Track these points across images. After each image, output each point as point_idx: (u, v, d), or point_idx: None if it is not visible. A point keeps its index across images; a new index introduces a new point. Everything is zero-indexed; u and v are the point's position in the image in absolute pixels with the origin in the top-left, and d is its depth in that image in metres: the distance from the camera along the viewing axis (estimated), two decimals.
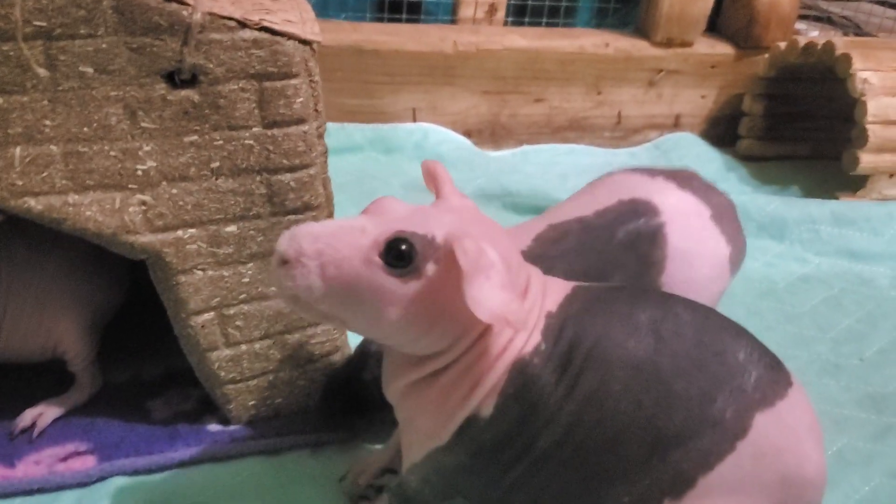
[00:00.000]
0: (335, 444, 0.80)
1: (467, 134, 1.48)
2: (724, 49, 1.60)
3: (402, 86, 1.44)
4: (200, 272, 0.72)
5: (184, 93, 0.65)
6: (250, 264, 0.73)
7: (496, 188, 1.32)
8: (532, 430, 0.58)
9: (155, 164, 0.67)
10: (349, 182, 1.28)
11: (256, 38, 0.65)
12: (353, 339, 0.83)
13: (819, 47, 1.42)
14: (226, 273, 0.73)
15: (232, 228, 0.71)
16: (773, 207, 1.32)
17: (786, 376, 0.60)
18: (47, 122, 0.63)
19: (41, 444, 0.77)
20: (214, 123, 0.67)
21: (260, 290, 0.75)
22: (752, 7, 1.57)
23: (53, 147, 0.64)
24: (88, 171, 0.65)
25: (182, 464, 0.76)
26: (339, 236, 0.54)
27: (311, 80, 0.69)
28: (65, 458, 0.76)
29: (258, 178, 0.70)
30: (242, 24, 0.64)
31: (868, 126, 1.34)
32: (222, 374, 0.77)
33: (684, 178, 0.90)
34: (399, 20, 1.51)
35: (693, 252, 0.85)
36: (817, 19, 1.91)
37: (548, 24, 1.59)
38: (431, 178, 0.65)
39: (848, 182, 1.42)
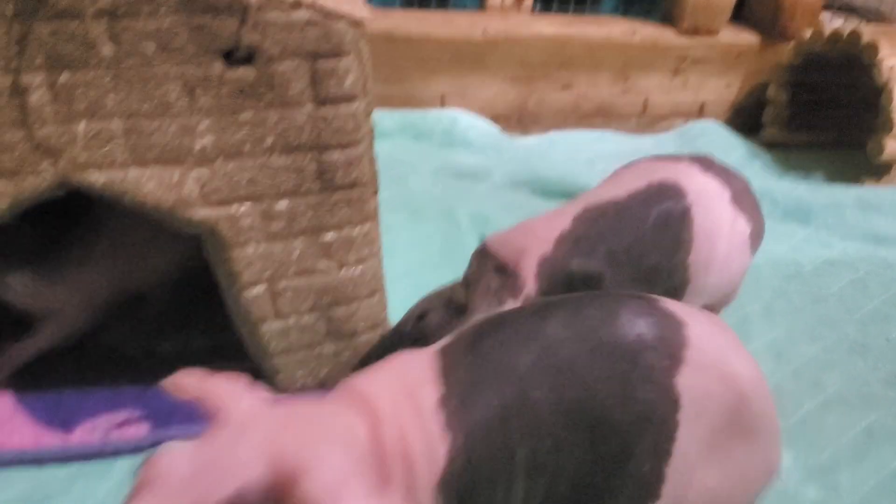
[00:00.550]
0: None
1: (495, 120, 1.50)
2: (749, 38, 1.61)
3: (431, 72, 1.46)
4: (253, 246, 0.74)
5: (240, 71, 0.67)
6: (300, 239, 0.76)
7: (525, 174, 1.34)
8: None
9: (211, 141, 0.69)
10: (378, 168, 1.30)
11: (310, 19, 0.67)
12: (394, 315, 0.86)
13: (845, 35, 1.43)
14: (277, 247, 0.75)
15: (283, 204, 0.74)
16: (799, 193, 1.34)
17: (673, 323, 0.57)
18: (110, 99, 0.65)
19: (97, 410, 0.79)
20: (269, 101, 0.69)
21: (308, 264, 0.77)
22: None
23: (115, 123, 0.66)
24: (148, 147, 0.67)
25: None
26: None
27: (360, 60, 0.71)
28: (120, 425, 0.79)
29: (309, 156, 0.72)
30: (297, 5, 0.66)
31: (894, 113, 1.35)
32: (271, 345, 0.79)
33: (705, 163, 0.94)
34: (428, 8, 1.53)
35: (716, 231, 0.89)
36: (840, 9, 1.91)
37: (574, 13, 1.60)
38: (193, 393, 0.51)
39: (872, 169, 1.43)
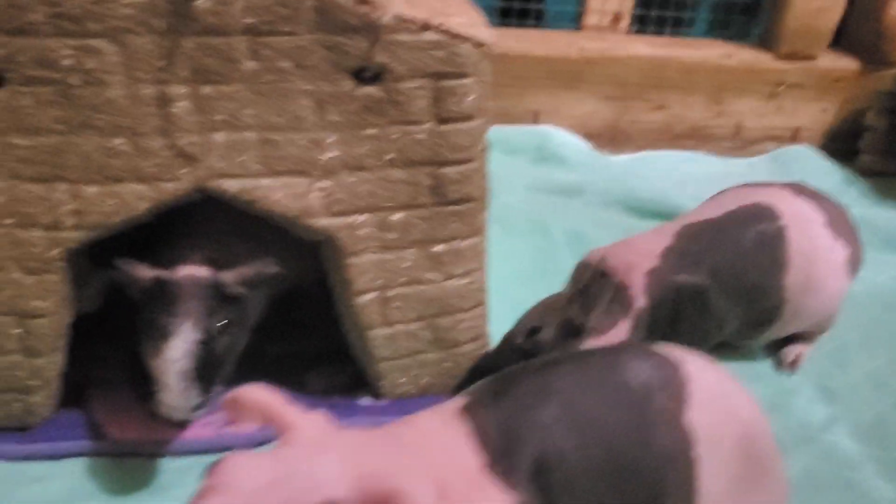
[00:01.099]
0: None
1: (587, 138, 1.51)
2: (848, 63, 1.59)
3: (526, 89, 1.48)
4: (368, 255, 0.77)
5: (368, 89, 0.71)
6: (412, 250, 0.78)
7: (618, 191, 1.34)
8: None
9: (337, 154, 0.72)
10: None
11: (437, 40, 0.70)
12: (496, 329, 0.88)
13: None
14: (390, 257, 0.78)
15: (398, 216, 0.77)
16: None
17: (671, 363, 0.59)
18: (247, 111, 0.69)
19: (210, 407, 0.83)
20: (392, 118, 0.72)
21: (417, 275, 0.80)
22: (881, 22, 1.55)
23: (250, 134, 0.70)
24: (279, 158, 0.71)
25: None
26: None
27: (481, 80, 0.74)
28: (231, 422, 0.82)
29: (426, 170, 0.75)
30: (426, 27, 0.69)
31: None
32: (378, 351, 0.82)
33: (797, 188, 0.96)
34: (526, 26, 1.56)
35: (812, 253, 0.90)
36: None
37: (671, 35, 1.61)
38: (253, 410, 0.52)
39: None
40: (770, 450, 0.61)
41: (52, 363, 0.76)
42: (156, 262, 0.75)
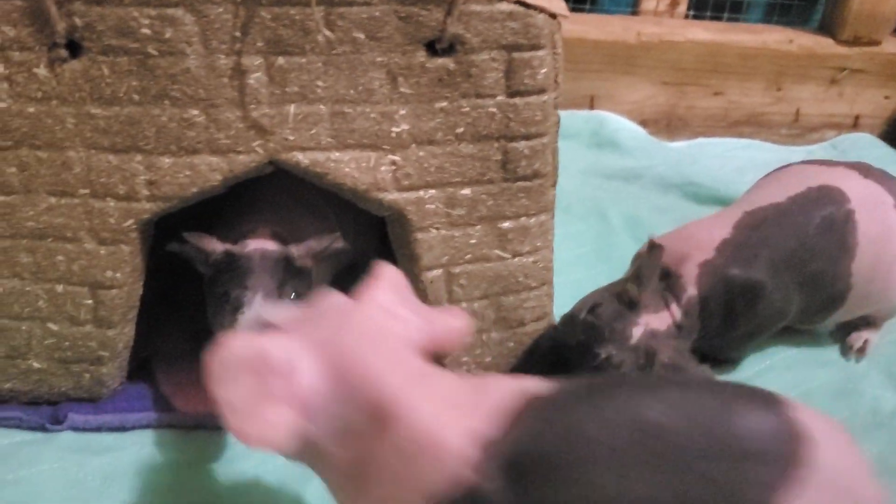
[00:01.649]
0: None
1: (643, 124, 1.50)
2: None
3: (582, 73, 1.47)
4: (435, 231, 0.76)
5: (440, 61, 0.70)
6: (478, 226, 0.78)
7: (675, 177, 1.33)
8: None
9: (407, 128, 0.72)
10: None
11: (512, 11, 0.69)
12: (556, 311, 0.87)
13: None
14: (456, 233, 0.77)
15: (466, 191, 0.76)
16: None
17: (795, 430, 0.47)
18: (319, 84, 0.69)
19: None
20: (464, 91, 0.72)
21: (484, 251, 0.79)
22: None
23: (322, 107, 0.70)
24: (350, 131, 0.71)
25: None
26: None
27: (554, 53, 0.73)
28: None
29: (496, 145, 0.74)
30: None
31: None
32: None
33: (863, 168, 0.94)
34: (583, 11, 1.54)
35: (881, 237, 0.87)
36: None
37: (728, 20, 1.58)
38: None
39: None
40: None
41: (123, 335, 0.76)
42: (223, 237, 0.76)
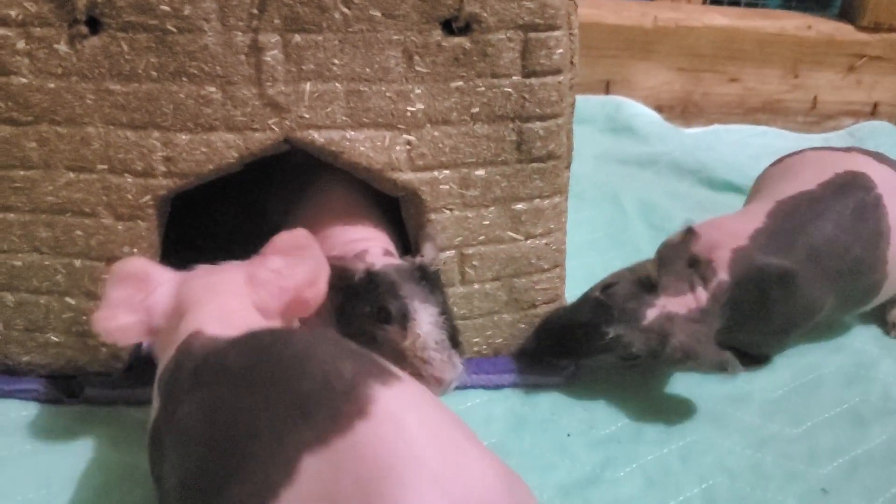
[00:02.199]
0: (550, 388, 0.84)
1: (658, 109, 1.49)
2: None
3: (598, 58, 1.46)
4: (448, 212, 0.77)
5: (457, 40, 0.70)
6: (492, 208, 0.78)
7: (691, 163, 1.32)
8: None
9: (423, 107, 0.72)
10: None
11: None
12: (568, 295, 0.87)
13: None
14: (470, 214, 0.78)
15: (481, 172, 0.76)
16: None
17: (355, 405, 0.46)
18: (335, 61, 0.69)
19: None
20: (479, 70, 0.72)
21: (497, 233, 0.79)
22: None
23: (338, 85, 0.70)
24: (365, 110, 0.71)
25: None
26: None
27: (570, 33, 0.73)
28: None
29: (511, 126, 0.75)
30: None
31: None
32: (455, 309, 0.82)
33: (876, 155, 0.92)
34: None
35: None
36: None
37: (747, 5, 1.57)
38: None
39: None
40: None
41: None
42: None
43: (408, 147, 0.73)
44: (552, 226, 0.81)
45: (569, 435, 0.78)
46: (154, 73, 0.67)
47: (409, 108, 0.72)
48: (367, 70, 0.70)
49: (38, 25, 0.66)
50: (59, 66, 0.67)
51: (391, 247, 0.77)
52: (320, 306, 0.67)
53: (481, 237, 0.79)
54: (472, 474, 0.45)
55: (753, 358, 0.88)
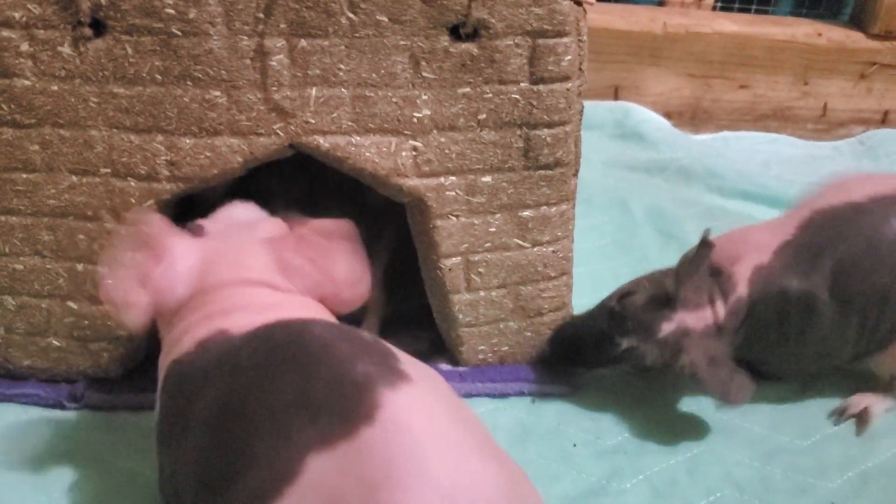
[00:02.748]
0: (556, 396, 0.83)
1: (667, 116, 1.48)
2: None
3: (606, 64, 1.45)
4: (454, 218, 0.76)
5: (464, 46, 0.70)
6: (498, 215, 0.77)
7: (699, 169, 1.31)
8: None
9: (429, 113, 0.71)
10: None
11: None
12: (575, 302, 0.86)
13: None
14: (476, 221, 0.77)
15: (487, 179, 0.75)
16: None
17: (362, 410, 0.46)
18: (342, 67, 0.69)
19: None
20: (487, 77, 0.71)
21: (503, 240, 0.79)
22: None
23: (344, 90, 0.69)
24: (371, 115, 0.70)
25: None
26: None
27: (579, 40, 0.72)
28: None
29: (518, 132, 0.74)
30: None
31: None
32: (460, 316, 0.81)
33: None
34: (609, 0, 1.53)
35: None
36: None
37: (757, 12, 1.57)
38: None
39: None
40: None
41: None
42: None
43: (414, 153, 0.72)
44: (559, 233, 0.80)
45: (575, 445, 0.77)
46: (158, 77, 0.67)
47: (415, 114, 0.71)
48: (374, 75, 0.69)
49: (42, 28, 0.65)
50: (62, 69, 0.67)
51: None
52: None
53: (487, 244, 0.78)
54: (477, 484, 0.45)
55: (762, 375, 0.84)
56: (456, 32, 0.69)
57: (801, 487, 0.74)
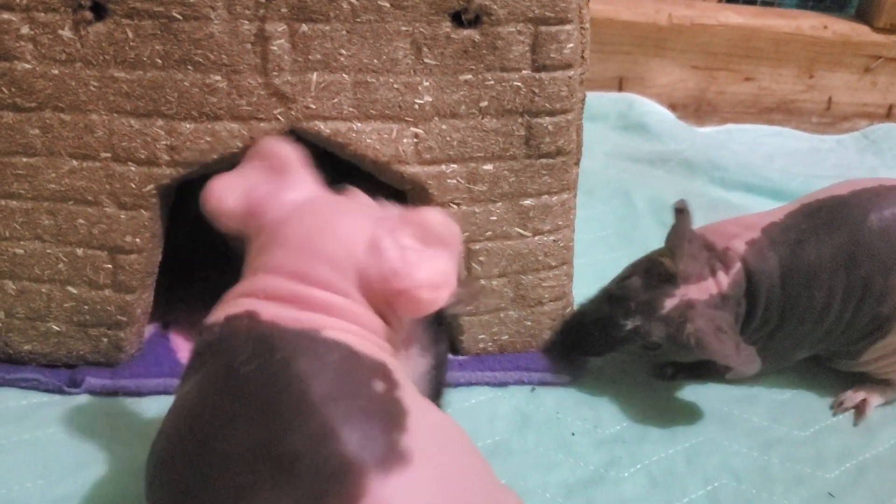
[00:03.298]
0: (556, 385, 0.83)
1: (671, 108, 1.48)
2: None
3: (611, 55, 1.45)
4: (455, 206, 0.76)
5: (466, 32, 0.69)
6: (499, 203, 0.77)
7: (703, 162, 1.31)
8: None
9: (431, 100, 0.71)
10: None
11: None
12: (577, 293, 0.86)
13: None
14: (477, 209, 0.77)
15: (488, 167, 0.75)
16: None
17: (342, 495, 0.40)
18: (343, 52, 0.68)
19: None
20: (489, 64, 0.71)
21: (504, 229, 0.78)
22: None
23: (345, 76, 0.69)
24: (372, 101, 0.70)
25: None
26: None
27: (581, 27, 0.72)
28: None
29: (519, 120, 0.74)
30: None
31: None
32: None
33: None
34: None
35: None
36: None
37: (763, 4, 1.56)
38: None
39: None
40: None
41: (141, 300, 0.77)
42: None
43: (415, 140, 0.72)
44: (560, 222, 0.80)
45: (573, 434, 0.77)
46: (159, 61, 0.66)
47: (416, 101, 0.71)
48: (375, 61, 0.69)
49: (43, 10, 0.65)
50: (63, 53, 0.66)
51: None
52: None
53: (488, 233, 0.78)
54: None
55: None
56: (458, 18, 0.69)
57: (798, 477, 0.74)
